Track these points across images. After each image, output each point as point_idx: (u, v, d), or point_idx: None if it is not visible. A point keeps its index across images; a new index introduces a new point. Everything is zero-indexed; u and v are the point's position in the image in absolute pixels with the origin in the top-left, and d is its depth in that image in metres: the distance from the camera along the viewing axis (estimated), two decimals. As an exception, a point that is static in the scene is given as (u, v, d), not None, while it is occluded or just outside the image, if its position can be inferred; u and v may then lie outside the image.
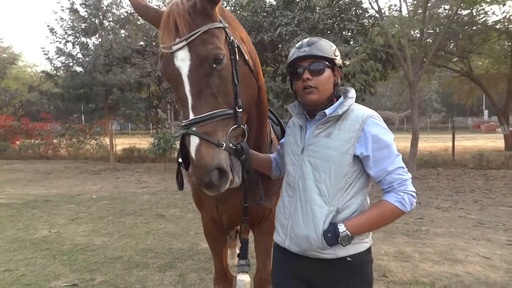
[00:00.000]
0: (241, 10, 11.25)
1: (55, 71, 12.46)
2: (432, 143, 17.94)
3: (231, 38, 1.43)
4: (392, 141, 1.44)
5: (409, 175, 1.44)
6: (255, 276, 2.37)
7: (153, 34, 13.70)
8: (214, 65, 1.34)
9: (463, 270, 3.59)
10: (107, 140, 14.07)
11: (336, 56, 1.50)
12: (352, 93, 1.54)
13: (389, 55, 9.96)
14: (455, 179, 9.03)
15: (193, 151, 1.28)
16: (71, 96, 11.84)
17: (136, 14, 1.52)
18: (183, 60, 1.33)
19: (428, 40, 12.45)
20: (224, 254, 2.40)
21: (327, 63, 1.47)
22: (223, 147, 1.32)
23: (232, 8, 11.60)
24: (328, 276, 1.47)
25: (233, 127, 1.39)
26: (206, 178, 1.27)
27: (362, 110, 1.47)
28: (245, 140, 1.47)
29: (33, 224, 5.53)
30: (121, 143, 16.68)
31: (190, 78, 1.33)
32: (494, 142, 18.94)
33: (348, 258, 1.45)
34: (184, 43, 1.32)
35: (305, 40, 1.51)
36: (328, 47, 1.49)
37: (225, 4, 11.90)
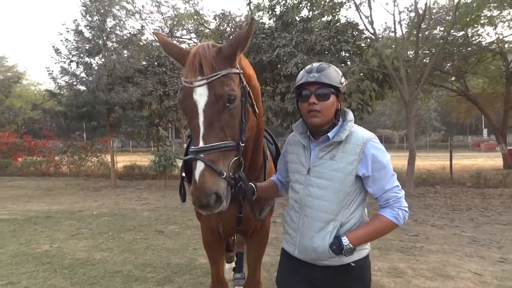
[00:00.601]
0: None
1: (58, 90, 12.74)
2: (431, 161, 18.08)
3: (244, 83, 1.66)
4: (389, 162, 1.62)
5: (403, 192, 1.63)
6: (246, 283, 2.51)
7: (155, 54, 14.07)
8: (228, 104, 1.54)
9: (454, 286, 3.68)
10: (108, 158, 14.24)
11: (341, 83, 1.63)
12: (351, 115, 1.69)
13: (386, 75, 10.23)
14: (452, 197, 9.12)
15: (198, 175, 1.44)
16: (74, 114, 12.06)
17: (162, 49, 1.75)
18: (201, 95, 1.53)
19: (424, 60, 12.79)
20: (221, 263, 2.54)
21: (333, 90, 1.61)
22: (224, 176, 1.49)
23: (231, 30, 11.97)
24: (334, 279, 1.65)
25: (234, 158, 1.58)
26: (204, 200, 1.43)
27: (362, 133, 1.63)
28: (241, 169, 1.67)
29: (35, 239, 5.63)
30: (122, 160, 16.83)
31: (205, 111, 1.52)
32: (493, 160, 19.06)
33: (352, 264, 1.62)
34: (205, 81, 1.52)
35: (315, 65, 1.64)
36: (335, 75, 1.62)
37: (225, 26, 12.30)
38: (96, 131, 13.17)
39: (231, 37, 1.62)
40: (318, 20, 10.25)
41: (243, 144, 1.62)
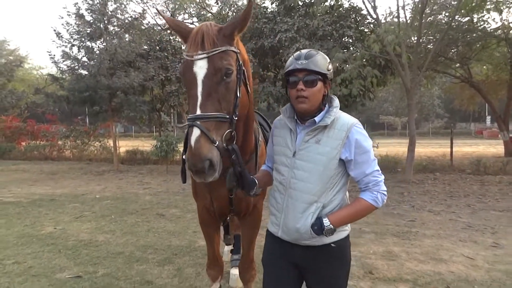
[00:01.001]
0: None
1: (60, 74, 12.76)
2: (433, 148, 18.11)
3: (240, 61, 1.78)
4: (371, 147, 1.70)
5: (382, 177, 1.71)
6: (240, 262, 2.66)
7: (157, 39, 14.00)
8: (225, 77, 1.66)
9: (446, 269, 3.78)
10: (110, 142, 14.33)
11: (328, 70, 1.69)
12: (336, 102, 1.76)
13: (388, 61, 10.17)
14: (451, 184, 9.19)
15: (193, 140, 1.54)
16: (76, 99, 12.10)
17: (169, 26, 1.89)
18: (201, 68, 1.65)
19: (428, 46, 12.66)
20: (217, 241, 2.64)
21: (320, 76, 1.67)
22: (216, 144, 1.58)
23: (234, 14, 11.86)
24: (315, 259, 1.73)
25: (227, 130, 1.67)
26: (199, 165, 1.52)
27: (346, 119, 1.70)
28: (234, 142, 1.74)
29: (39, 221, 5.77)
30: (125, 145, 16.95)
31: (203, 82, 1.63)
32: (495, 148, 19.05)
33: (332, 245, 1.71)
34: (205, 55, 1.65)
35: (304, 52, 1.70)
36: (323, 62, 1.67)
37: (227, 10, 12.18)
38: (99, 116, 13.23)
39: (241, 15, 1.75)
40: (321, 5, 10.16)
41: (236, 118, 1.72)
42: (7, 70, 14.74)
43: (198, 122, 1.56)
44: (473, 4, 9.77)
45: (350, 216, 1.67)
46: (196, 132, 1.54)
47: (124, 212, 6.40)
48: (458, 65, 15.34)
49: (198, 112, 1.59)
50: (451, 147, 12.47)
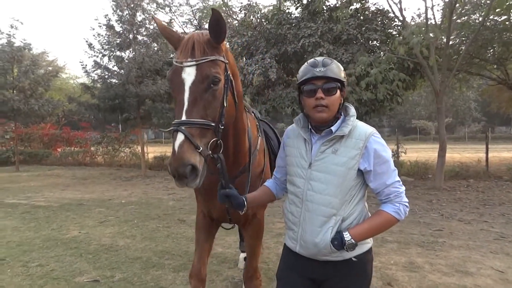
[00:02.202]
0: (266, 22, 11.54)
1: (92, 83, 13.30)
2: (469, 153, 17.27)
3: (228, 72, 1.79)
4: (390, 157, 1.62)
5: (404, 188, 1.63)
6: (244, 271, 2.63)
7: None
8: (212, 85, 1.66)
9: (472, 283, 3.55)
10: (140, 148, 14.74)
11: (344, 78, 1.65)
12: (353, 111, 1.69)
13: (416, 64, 9.83)
14: (485, 192, 8.71)
15: (177, 145, 1.53)
16: (106, 107, 12.57)
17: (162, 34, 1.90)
18: (189, 74, 1.66)
19: (460, 47, 12.14)
20: (204, 249, 2.50)
21: (338, 84, 1.62)
22: (199, 150, 1.57)
23: (258, 21, 11.91)
24: (334, 274, 1.65)
25: (212, 138, 1.66)
26: (181, 170, 1.51)
27: (364, 128, 1.63)
28: (221, 151, 1.73)
29: (65, 225, 5.98)
30: (154, 151, 17.37)
31: (190, 89, 1.64)
32: (537, 153, 17.95)
33: (354, 259, 1.63)
34: (194, 62, 1.67)
35: (319, 60, 1.64)
36: (339, 70, 1.63)
37: (252, 18, 12.25)
38: (128, 123, 13.65)
39: (208, 26, 1.75)
40: (346, 9, 9.99)
41: (222, 127, 1.71)
42: (45, 80, 15.48)
43: (183, 127, 1.55)
44: (510, 2, 9.26)
45: (372, 229, 1.60)
46: (180, 137, 1.54)
47: (146, 217, 6.52)
48: (494, 66, 14.60)
49: (184, 117, 1.59)
50: (487, 152, 11.86)
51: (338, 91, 1.61)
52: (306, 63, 1.68)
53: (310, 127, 1.71)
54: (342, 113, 1.68)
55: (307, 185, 1.65)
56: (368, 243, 1.68)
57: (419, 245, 4.74)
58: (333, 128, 1.62)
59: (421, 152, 17.08)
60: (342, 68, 1.67)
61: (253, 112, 2.48)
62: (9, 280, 3.75)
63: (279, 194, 1.99)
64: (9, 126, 18.81)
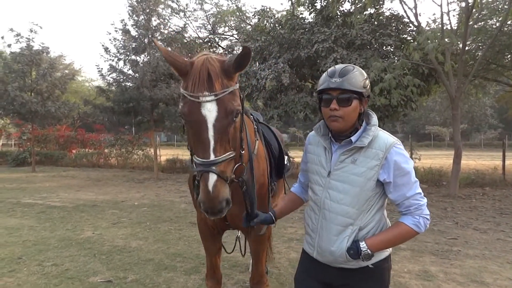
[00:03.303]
0: (280, 27, 11.57)
1: (107, 86, 13.53)
2: (485, 160, 16.94)
3: (242, 96, 1.76)
4: (411, 169, 1.59)
5: (425, 200, 1.60)
6: (250, 276, 2.62)
7: (197, 51, 14.43)
8: (234, 118, 1.64)
9: (488, 293, 3.48)
10: (152, 151, 14.89)
11: (365, 88, 1.59)
12: (375, 119, 1.66)
13: (431, 70, 9.73)
14: (502, 200, 8.52)
15: (211, 185, 1.53)
16: (121, 109, 12.76)
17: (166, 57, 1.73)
18: (210, 111, 1.57)
19: (476, 53, 11.95)
20: (214, 254, 2.60)
21: (355, 95, 1.57)
22: (228, 181, 1.60)
23: (271, 26, 11.96)
24: (351, 280, 1.65)
25: (236, 164, 1.70)
26: (218, 207, 1.54)
27: (385, 138, 1.59)
28: (244, 173, 1.78)
29: (80, 226, 6.08)
30: (166, 154, 17.54)
31: (215, 126, 1.58)
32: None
33: (370, 266, 1.61)
34: (214, 97, 1.58)
35: (338, 69, 1.60)
36: (359, 79, 1.57)
37: (265, 23, 12.31)
38: (141, 126, 13.81)
39: (233, 56, 1.65)
40: (360, 14, 9.95)
41: (243, 152, 1.76)
42: (61, 83, 15.80)
43: (214, 168, 1.54)
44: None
45: (389, 241, 1.58)
46: (212, 177, 1.54)
47: (159, 219, 6.58)
48: (510, 72, 14.33)
49: (212, 157, 1.56)
50: (503, 160, 11.63)
51: (356, 101, 1.57)
52: (326, 71, 1.65)
53: (330, 135, 1.70)
54: (364, 121, 1.66)
55: (325, 194, 1.65)
56: (387, 251, 1.67)
57: (433, 254, 4.67)
58: (353, 139, 1.60)
59: (435, 159, 16.84)
60: (365, 76, 1.62)
61: (251, 115, 2.46)
62: (25, 279, 3.83)
63: (306, 197, 2.00)
64: (26, 128, 19.25)
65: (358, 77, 1.57)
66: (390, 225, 1.69)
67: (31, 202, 8.29)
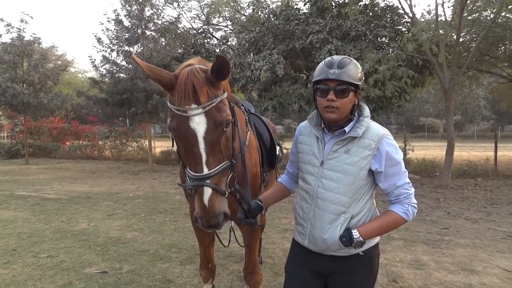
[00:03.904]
0: (274, 18, 11.49)
1: (100, 78, 13.40)
2: (477, 152, 17.11)
3: (232, 104, 1.74)
4: (401, 159, 1.65)
5: (413, 189, 1.67)
6: (244, 266, 2.66)
7: (191, 42, 14.33)
8: (225, 128, 1.61)
9: (478, 281, 3.55)
10: (147, 143, 14.85)
11: (360, 80, 1.63)
12: (367, 111, 1.69)
13: (425, 61, 9.76)
14: (493, 191, 8.64)
15: (207, 199, 1.52)
16: (114, 101, 12.66)
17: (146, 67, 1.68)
18: (199, 124, 1.54)
19: (470, 45, 11.99)
20: (208, 245, 2.68)
21: (352, 87, 1.60)
22: (225, 195, 1.60)
23: (266, 17, 11.87)
24: (342, 267, 1.69)
25: (230, 174, 1.68)
26: (215, 221, 1.54)
27: (377, 129, 1.64)
28: (235, 182, 1.75)
29: (74, 218, 6.07)
30: (161, 146, 17.48)
31: (205, 139, 1.55)
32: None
33: (361, 253, 1.67)
34: (201, 110, 1.54)
35: (336, 60, 1.61)
36: (355, 72, 1.60)
37: (260, 13, 12.21)
38: (135, 118, 13.73)
39: (211, 68, 1.59)
40: (355, 5, 9.91)
41: (235, 161, 1.74)
42: (54, 74, 15.61)
43: (208, 181, 1.53)
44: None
45: (380, 228, 1.64)
46: (207, 191, 1.53)
47: (153, 211, 6.59)
48: (505, 64, 14.41)
49: (206, 171, 1.54)
50: (496, 151, 11.76)
51: (352, 93, 1.61)
52: (323, 62, 1.66)
53: (323, 125, 1.72)
54: (356, 114, 1.69)
55: (318, 183, 1.68)
56: (376, 239, 1.72)
57: (425, 243, 4.74)
58: (346, 129, 1.63)
59: (429, 150, 16.98)
60: (360, 68, 1.65)
61: (243, 106, 2.46)
62: (20, 270, 3.83)
63: (293, 189, 2.03)
64: (18, 120, 19.05)
65: (355, 69, 1.60)
66: (378, 213, 1.74)
67: (25, 195, 8.25)
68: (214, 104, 1.57)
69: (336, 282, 1.71)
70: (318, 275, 1.75)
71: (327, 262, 1.70)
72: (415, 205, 1.65)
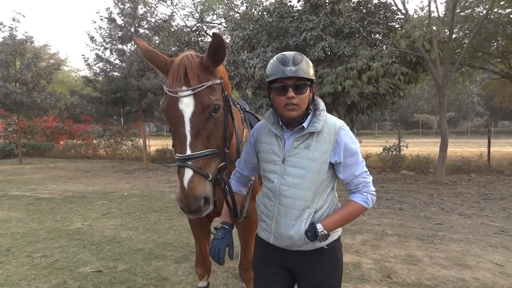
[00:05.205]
0: (268, 15, 11.48)
1: (94, 76, 13.31)
2: (471, 148, 17.26)
3: (226, 92, 1.74)
4: (358, 149, 1.68)
5: (371, 178, 1.71)
6: (239, 263, 2.67)
7: (185, 40, 14.26)
8: (213, 113, 1.62)
9: (471, 276, 3.59)
10: (142, 142, 14.80)
11: (313, 75, 1.65)
12: (322, 105, 1.72)
13: (419, 58, 9.80)
14: (486, 186, 8.72)
15: (186, 181, 1.51)
16: (108, 100, 12.59)
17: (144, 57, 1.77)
18: (187, 105, 1.58)
19: (463, 41, 12.06)
20: (203, 241, 2.69)
21: (308, 82, 1.62)
22: (209, 179, 1.58)
23: (259, 14, 11.85)
24: (307, 261, 1.71)
25: (219, 163, 1.68)
26: (194, 205, 1.51)
27: (333, 122, 1.67)
28: (225, 172, 1.74)
29: (69, 217, 6.05)
30: (155, 144, 17.44)
31: (191, 121, 1.57)
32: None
33: (325, 247, 1.69)
34: (190, 91, 1.58)
35: (289, 56, 1.60)
36: (309, 67, 1.62)
37: (253, 11, 12.19)
38: (129, 116, 13.67)
39: (208, 49, 1.64)
40: (349, 2, 9.93)
41: (228, 151, 1.72)
42: (47, 73, 15.48)
43: (189, 163, 1.53)
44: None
45: (342, 219, 1.67)
46: (188, 173, 1.52)
47: (148, 209, 6.58)
48: (498, 60, 14.51)
49: (188, 152, 1.55)
50: (489, 147, 11.86)
51: (308, 88, 1.63)
52: (275, 59, 1.65)
53: (281, 123, 1.72)
54: (311, 108, 1.70)
55: (280, 180, 1.68)
56: (338, 232, 1.76)
57: (419, 239, 4.78)
58: (304, 125, 1.64)
59: (423, 146, 17.12)
60: (311, 64, 1.67)
61: (238, 104, 2.47)
62: (14, 270, 3.81)
63: (243, 192, 2.03)
64: (12, 119, 18.89)
65: (308, 65, 1.62)
66: (340, 205, 1.76)
67: (18, 194, 8.19)
68: (204, 87, 1.60)
69: (303, 276, 1.73)
70: (285, 270, 1.76)
71: (293, 257, 1.71)
72: (374, 193, 1.68)
